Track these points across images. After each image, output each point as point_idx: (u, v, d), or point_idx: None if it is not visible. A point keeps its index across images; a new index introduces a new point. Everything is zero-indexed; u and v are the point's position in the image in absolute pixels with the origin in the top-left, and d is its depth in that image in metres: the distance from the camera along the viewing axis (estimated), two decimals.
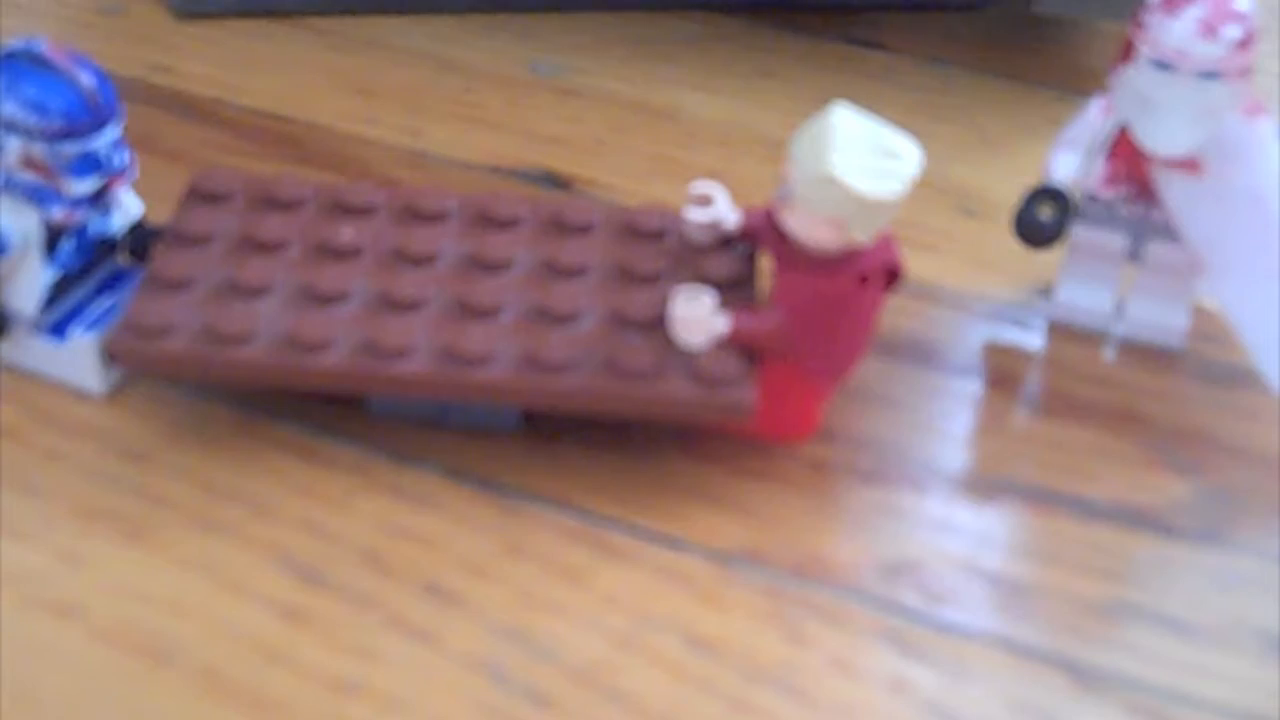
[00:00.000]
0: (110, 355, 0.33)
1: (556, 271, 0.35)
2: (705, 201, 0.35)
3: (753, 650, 0.30)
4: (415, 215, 0.36)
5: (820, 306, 0.33)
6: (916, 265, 0.39)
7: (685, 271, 0.35)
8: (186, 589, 0.31)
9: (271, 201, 0.36)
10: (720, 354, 0.32)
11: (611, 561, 0.32)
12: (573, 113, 0.45)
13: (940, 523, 0.33)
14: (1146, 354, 0.38)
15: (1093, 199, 0.37)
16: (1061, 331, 0.38)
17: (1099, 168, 0.36)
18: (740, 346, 0.33)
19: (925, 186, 0.43)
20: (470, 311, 0.34)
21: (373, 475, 0.33)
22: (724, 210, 0.35)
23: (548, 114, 0.45)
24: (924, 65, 0.49)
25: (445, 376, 0.32)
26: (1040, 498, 0.34)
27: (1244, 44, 0.34)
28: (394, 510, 0.33)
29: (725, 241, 0.35)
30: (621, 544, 0.32)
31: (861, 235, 0.32)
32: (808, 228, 0.32)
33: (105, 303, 0.35)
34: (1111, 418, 0.36)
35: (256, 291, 0.34)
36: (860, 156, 0.31)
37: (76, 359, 0.35)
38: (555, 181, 0.43)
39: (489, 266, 0.35)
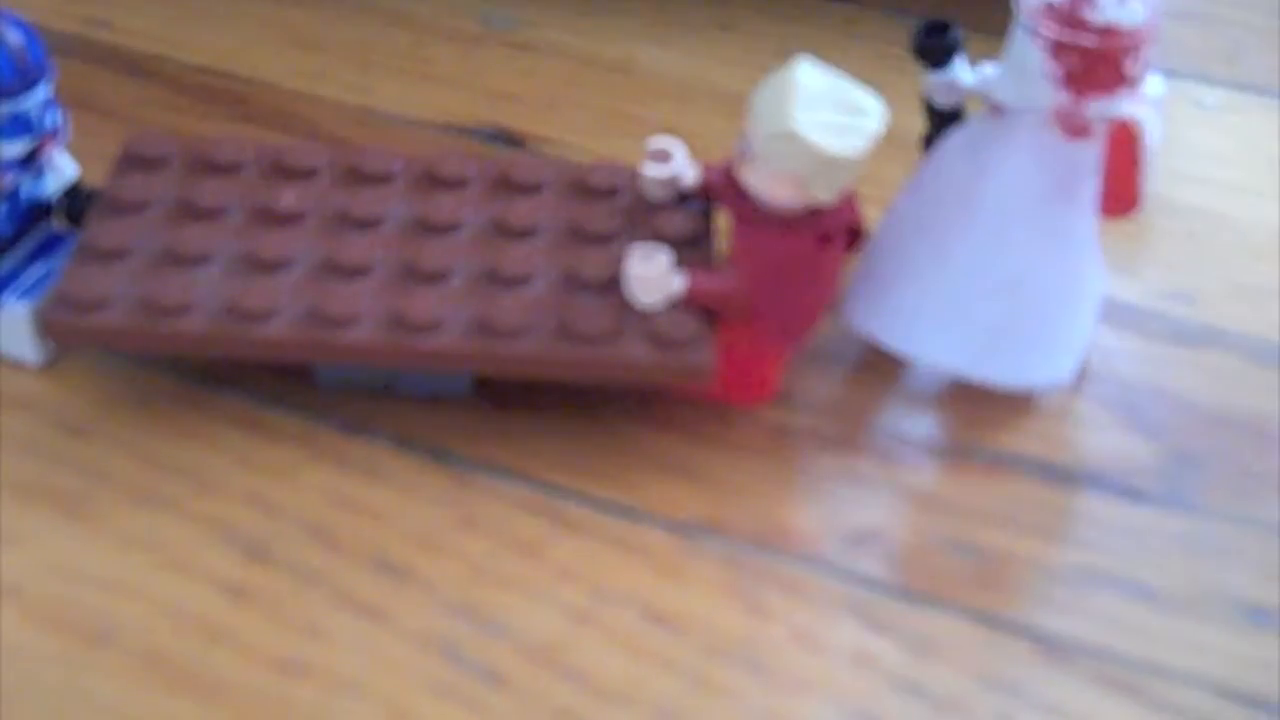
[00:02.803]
0: (44, 329, 0.32)
1: (506, 232, 0.34)
2: (663, 157, 0.34)
3: (713, 624, 0.30)
4: (359, 177, 0.35)
5: (780, 266, 0.32)
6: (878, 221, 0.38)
7: (640, 230, 0.34)
8: (126, 567, 0.30)
9: (209, 165, 0.35)
10: (677, 315, 0.32)
11: (567, 534, 0.31)
12: (525, 68, 0.44)
13: (905, 490, 0.32)
14: (1116, 313, 0.37)
15: None
16: None
17: None
18: (697, 307, 0.32)
19: (886, 140, 0.42)
20: (418, 276, 0.33)
21: (319, 446, 0.33)
22: (682, 166, 0.34)
23: (500, 69, 0.44)
24: (886, 17, 0.48)
25: (393, 344, 0.31)
26: (1006, 463, 0.33)
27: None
28: (342, 482, 0.32)
29: (682, 198, 0.34)
30: (577, 515, 0.31)
31: (823, 194, 0.31)
32: (768, 185, 0.31)
33: (40, 270, 0.34)
34: (1078, 381, 0.35)
35: (195, 260, 0.33)
36: (822, 113, 0.30)
37: (11, 329, 0.33)
38: (508, 139, 0.41)
39: (437, 229, 0.34)
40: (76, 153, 0.35)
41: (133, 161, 0.35)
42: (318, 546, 0.31)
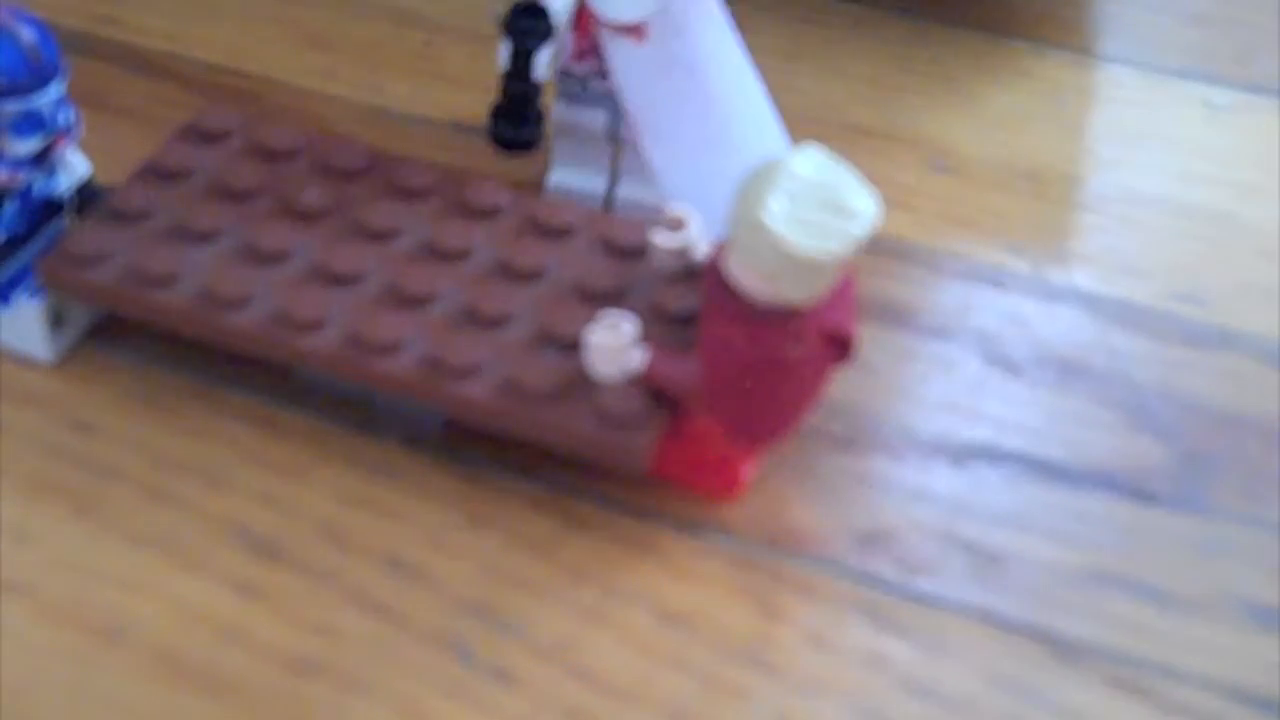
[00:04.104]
0: (39, 276, 0.33)
1: (508, 272, 0.33)
2: (675, 225, 0.33)
3: (724, 624, 0.30)
4: (392, 187, 0.34)
5: (742, 363, 0.29)
6: (886, 223, 0.38)
7: (639, 298, 0.32)
8: (137, 565, 0.30)
9: (258, 148, 0.35)
10: (629, 392, 0.30)
11: (578, 533, 0.31)
12: None
13: (916, 491, 0.32)
14: (1126, 314, 0.37)
15: (567, 75, 0.37)
16: (1037, 290, 0.37)
17: (567, 41, 0.36)
18: (654, 389, 0.30)
19: (895, 141, 0.42)
20: (400, 298, 0.32)
21: (331, 444, 0.32)
22: (695, 237, 0.32)
23: None
24: (894, 17, 0.48)
25: (346, 359, 0.31)
26: (1017, 463, 0.33)
27: None
28: (353, 481, 0.32)
29: (693, 273, 0.32)
30: (589, 514, 0.31)
31: (794, 294, 0.29)
32: (742, 275, 0.29)
33: None
34: (1090, 381, 0.35)
35: (200, 237, 0.33)
36: (803, 208, 0.28)
37: (22, 325, 0.33)
38: None
39: (444, 254, 0.33)
40: (88, 150, 0.35)
41: (192, 132, 0.35)
42: (329, 545, 0.31)
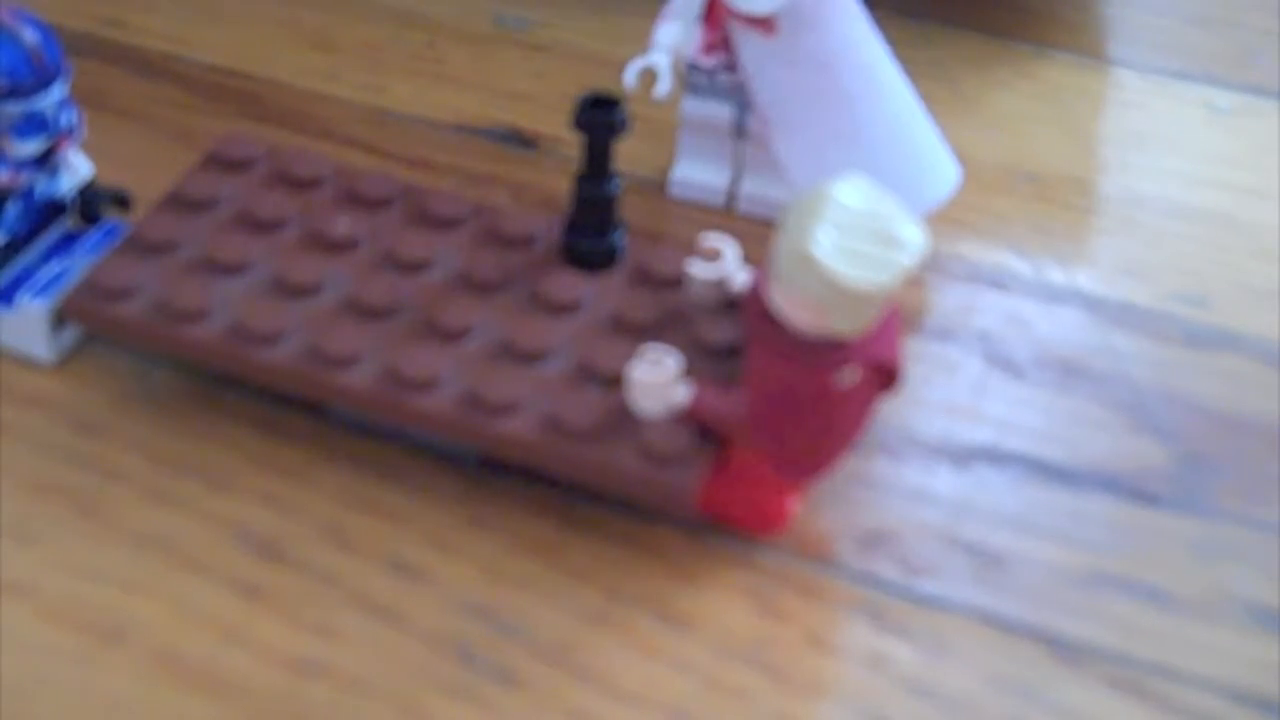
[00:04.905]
0: (62, 311, 0.32)
1: (545, 304, 0.32)
2: (712, 256, 0.32)
3: (726, 626, 0.30)
4: (424, 217, 0.34)
5: (789, 396, 0.29)
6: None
7: (679, 331, 0.32)
8: (139, 566, 0.30)
9: (284, 177, 0.35)
10: (673, 428, 0.29)
11: (581, 534, 0.31)
12: (538, 68, 0.44)
13: (918, 492, 0.32)
14: (1128, 316, 0.37)
15: (695, 68, 0.37)
16: (1038, 292, 0.37)
17: (696, 34, 0.36)
18: (699, 424, 0.30)
19: None
20: (435, 332, 0.31)
21: (332, 446, 0.32)
22: (732, 268, 0.32)
23: (513, 70, 0.44)
24: (898, 19, 0.48)
25: (383, 397, 0.30)
26: (1018, 465, 0.33)
27: None
28: (355, 482, 0.32)
29: (731, 304, 0.32)
30: (591, 516, 0.31)
31: (842, 325, 0.28)
32: (787, 306, 0.28)
33: (55, 268, 0.34)
34: (1091, 382, 0.35)
35: (230, 269, 0.32)
36: (851, 238, 0.28)
37: (25, 326, 0.33)
38: (521, 140, 0.41)
39: (479, 286, 0.32)
40: (90, 152, 0.35)
41: (215, 161, 0.35)
42: (331, 546, 0.31)
